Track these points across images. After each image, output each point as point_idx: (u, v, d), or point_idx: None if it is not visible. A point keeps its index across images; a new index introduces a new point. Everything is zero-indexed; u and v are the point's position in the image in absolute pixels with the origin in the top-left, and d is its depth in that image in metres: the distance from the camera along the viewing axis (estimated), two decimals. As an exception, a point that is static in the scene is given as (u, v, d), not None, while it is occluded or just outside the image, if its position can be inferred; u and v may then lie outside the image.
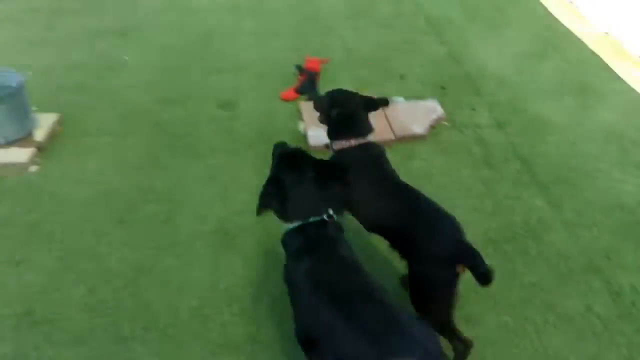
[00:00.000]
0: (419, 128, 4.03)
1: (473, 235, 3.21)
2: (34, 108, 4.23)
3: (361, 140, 2.71)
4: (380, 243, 2.89)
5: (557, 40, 5.50)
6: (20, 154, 3.84)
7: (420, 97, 4.51)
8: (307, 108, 4.24)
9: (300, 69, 4.81)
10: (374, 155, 2.71)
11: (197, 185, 3.64)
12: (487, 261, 3.02)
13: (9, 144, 3.91)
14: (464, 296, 2.85)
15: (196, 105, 4.45)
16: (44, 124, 4.13)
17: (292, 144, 3.76)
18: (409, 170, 3.74)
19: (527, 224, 3.35)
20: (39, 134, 4.02)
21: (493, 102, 4.47)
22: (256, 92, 4.61)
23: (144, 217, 3.40)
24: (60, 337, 2.71)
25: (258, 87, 4.69)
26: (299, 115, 4.29)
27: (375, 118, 3.96)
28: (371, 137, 2.76)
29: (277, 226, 3.25)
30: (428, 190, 3.53)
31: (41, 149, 3.95)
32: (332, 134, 2.80)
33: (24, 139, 3.95)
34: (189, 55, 5.23)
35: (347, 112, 2.78)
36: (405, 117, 4.14)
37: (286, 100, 4.49)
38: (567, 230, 3.31)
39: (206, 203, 3.50)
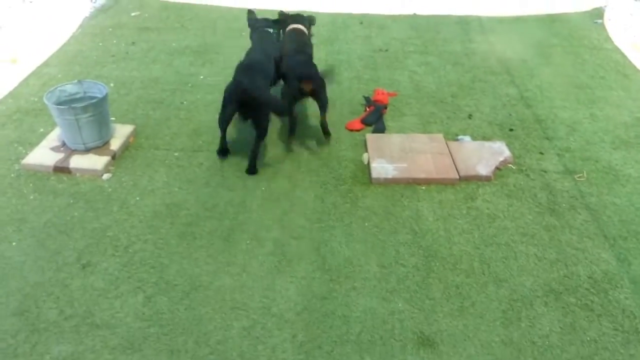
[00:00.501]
0: (484, 169, 3.98)
1: (533, 283, 3.15)
2: (112, 118, 4.45)
3: (296, 26, 4.69)
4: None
5: (635, 88, 5.31)
6: (96, 161, 4.04)
7: (487, 137, 4.46)
8: (373, 140, 4.28)
9: (368, 100, 4.86)
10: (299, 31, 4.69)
11: (259, 207, 3.71)
12: (547, 312, 2.95)
13: (87, 150, 4.12)
14: (519, 347, 2.78)
15: (264, 128, 4.57)
16: (119, 134, 4.34)
17: (355, 174, 3.84)
18: (471, 210, 3.69)
19: (591, 277, 3.22)
20: (114, 144, 4.23)
21: (563, 148, 4.35)
22: (323, 120, 4.69)
23: (205, 233, 3.50)
24: (116, 342, 2.81)
25: (325, 115, 4.77)
26: (363, 146, 4.32)
27: (439, 156, 3.99)
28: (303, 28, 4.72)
29: (334, 254, 3.31)
30: (489, 232, 3.52)
31: (115, 157, 4.15)
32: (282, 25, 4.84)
33: (100, 147, 4.16)
34: (261, 78, 5.38)
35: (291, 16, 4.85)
36: (471, 157, 4.10)
37: (351, 130, 4.53)
38: (634, 288, 3.15)
39: (265, 225, 3.56)
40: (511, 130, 4.57)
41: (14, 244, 3.42)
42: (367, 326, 2.89)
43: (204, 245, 3.40)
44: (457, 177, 3.92)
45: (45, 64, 5.65)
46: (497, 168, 4.05)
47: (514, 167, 4.11)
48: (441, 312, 2.98)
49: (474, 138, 4.43)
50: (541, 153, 4.28)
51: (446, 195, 3.83)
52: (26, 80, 5.31)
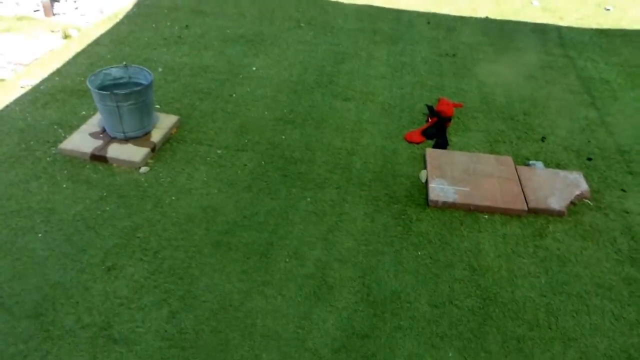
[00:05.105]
0: (556, 203, 3.53)
1: (608, 348, 2.72)
2: (156, 106, 4.20)
3: None
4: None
5: None
6: (135, 153, 3.79)
7: (562, 165, 3.99)
8: (433, 156, 3.88)
9: (431, 110, 4.45)
10: None
11: (302, 220, 3.39)
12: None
13: (127, 139, 3.89)
14: None
15: (315, 130, 4.23)
16: (162, 124, 4.08)
17: (410, 193, 3.45)
18: (538, 249, 3.26)
19: (677, 346, 2.77)
20: (156, 135, 3.97)
21: (648, 186, 3.86)
22: (380, 127, 4.31)
23: (242, 245, 3.19)
24: (132, 362, 2.55)
25: (382, 121, 4.38)
26: (422, 162, 3.93)
27: (506, 182, 3.56)
28: None
29: (380, 284, 2.96)
30: (558, 278, 3.11)
31: (155, 150, 3.89)
32: None
33: (141, 138, 3.92)
34: (317, 75, 5.04)
35: None
36: (543, 187, 3.65)
37: (410, 142, 4.14)
38: None
39: (307, 242, 3.23)
40: (589, 159, 4.08)
41: (39, 235, 3.20)
42: (412, 377, 2.54)
43: (239, 259, 3.10)
44: (526, 208, 3.49)
45: (96, 42, 5.46)
46: (572, 203, 3.59)
47: (591, 204, 3.64)
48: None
49: (546, 165, 3.96)
50: (623, 190, 3.78)
51: (511, 228, 3.41)
52: (75, 58, 5.13)
